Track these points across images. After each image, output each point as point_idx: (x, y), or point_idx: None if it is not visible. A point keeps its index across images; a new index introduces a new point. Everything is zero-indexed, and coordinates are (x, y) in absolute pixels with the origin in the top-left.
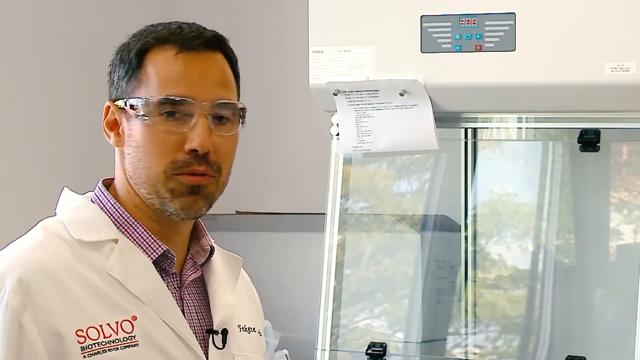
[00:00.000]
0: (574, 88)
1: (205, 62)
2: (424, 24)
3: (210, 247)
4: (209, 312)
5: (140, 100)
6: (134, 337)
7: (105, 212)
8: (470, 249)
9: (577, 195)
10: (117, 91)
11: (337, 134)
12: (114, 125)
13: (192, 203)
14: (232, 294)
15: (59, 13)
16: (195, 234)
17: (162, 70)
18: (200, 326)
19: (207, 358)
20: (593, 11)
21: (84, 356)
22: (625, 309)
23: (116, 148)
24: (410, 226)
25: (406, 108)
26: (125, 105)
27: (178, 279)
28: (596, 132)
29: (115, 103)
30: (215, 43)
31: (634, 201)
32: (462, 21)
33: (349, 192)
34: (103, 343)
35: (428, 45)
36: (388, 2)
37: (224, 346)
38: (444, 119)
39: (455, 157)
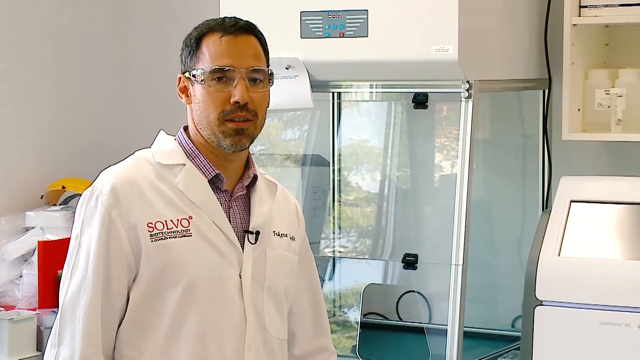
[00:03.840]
0: (410, 63)
1: (241, 41)
2: (303, 18)
3: (254, 174)
4: (250, 219)
5: (199, 70)
6: (189, 230)
7: (180, 146)
8: (336, 178)
9: (411, 141)
10: (184, 66)
11: None
12: (184, 90)
13: (238, 141)
14: (268, 208)
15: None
16: (247, 166)
17: (212, 49)
18: (242, 228)
19: (242, 250)
20: (423, 9)
21: (152, 240)
22: (445, 220)
23: (187, 105)
24: (294, 162)
25: (290, 78)
26: (190, 75)
27: (229, 194)
28: (425, 95)
29: (184, 74)
30: (247, 28)
31: (450, 145)
32: (330, 16)
33: None
34: (165, 232)
35: (306, 32)
36: (277, 2)
37: (256, 242)
38: (317, 85)
39: (325, 113)
